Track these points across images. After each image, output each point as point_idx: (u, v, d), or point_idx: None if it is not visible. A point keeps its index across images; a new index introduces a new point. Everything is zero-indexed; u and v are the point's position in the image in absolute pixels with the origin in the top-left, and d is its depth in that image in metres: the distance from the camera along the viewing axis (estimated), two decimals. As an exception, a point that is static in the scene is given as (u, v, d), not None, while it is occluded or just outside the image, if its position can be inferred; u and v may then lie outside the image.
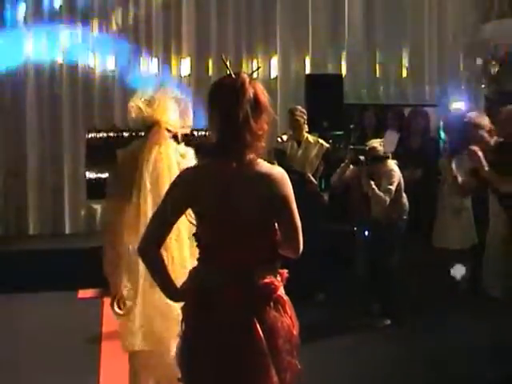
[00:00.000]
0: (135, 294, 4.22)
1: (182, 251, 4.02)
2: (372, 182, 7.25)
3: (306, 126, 8.47)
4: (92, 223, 10.97)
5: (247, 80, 3.13)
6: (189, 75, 11.18)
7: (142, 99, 4.20)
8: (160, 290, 3.32)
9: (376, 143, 7.46)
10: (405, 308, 7.43)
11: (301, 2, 11.43)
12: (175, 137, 4.30)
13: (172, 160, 4.12)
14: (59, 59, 10.85)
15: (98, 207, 10.89)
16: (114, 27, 11.00)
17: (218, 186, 3.09)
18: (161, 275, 3.24)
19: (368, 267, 7.63)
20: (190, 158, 4.18)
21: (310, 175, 8.32)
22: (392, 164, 7.41)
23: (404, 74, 11.85)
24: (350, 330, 7.29)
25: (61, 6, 10.83)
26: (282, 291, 3.21)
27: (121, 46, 10.96)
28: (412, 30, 11.75)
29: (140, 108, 4.14)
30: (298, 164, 8.30)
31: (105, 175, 10.47)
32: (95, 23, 10.94)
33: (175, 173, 3.76)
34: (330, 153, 8.62)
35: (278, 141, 8.65)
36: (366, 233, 7.96)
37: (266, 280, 3.14)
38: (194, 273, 3.26)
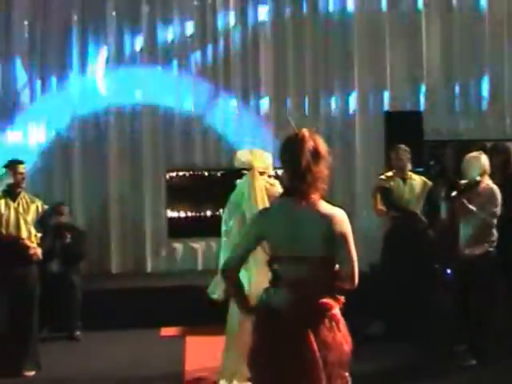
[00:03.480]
0: None
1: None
2: (469, 206, 7.07)
3: (409, 165, 8.56)
4: (173, 262, 11.07)
5: (307, 134, 3.79)
6: (267, 114, 11.24)
7: (245, 152, 6.65)
8: (236, 304, 4.09)
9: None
10: (492, 347, 7.18)
11: (378, 38, 11.42)
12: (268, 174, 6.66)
13: (262, 187, 6.39)
14: (140, 100, 11.06)
15: (178, 246, 11.00)
16: (194, 68, 11.15)
17: (287, 222, 3.74)
18: (238, 293, 3.98)
19: (457, 305, 7.43)
20: (277, 186, 6.33)
21: (419, 213, 8.41)
22: (491, 183, 7.23)
23: (484, 107, 11.70)
24: (434, 369, 7.10)
25: (141, 48, 11.06)
26: (337, 311, 3.73)
27: (200, 87, 11.11)
28: (491, 63, 11.61)
29: (243, 159, 6.58)
30: (405, 202, 8.42)
31: (184, 214, 10.61)
32: (175, 64, 11.12)
33: (264, 193, 6.33)
34: (432, 191, 8.60)
35: (381, 178, 8.64)
36: (449, 270, 7.85)
37: (323, 300, 3.70)
38: (265, 292, 3.86)
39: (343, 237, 3.72)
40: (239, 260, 3.90)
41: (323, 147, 3.82)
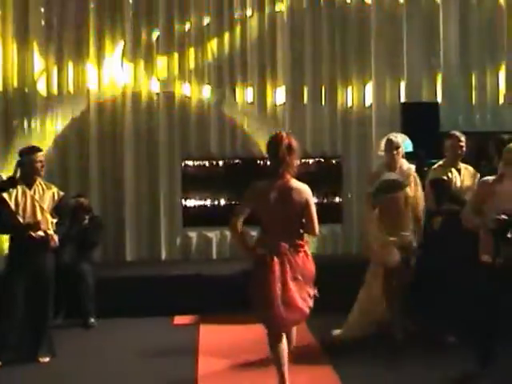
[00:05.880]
0: None
1: None
2: None
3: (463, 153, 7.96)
4: (187, 250, 11.11)
5: (285, 134, 5.84)
6: (284, 103, 11.24)
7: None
8: (238, 245, 6.14)
9: None
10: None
11: (395, 29, 11.40)
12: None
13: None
14: (156, 89, 11.08)
15: (193, 235, 11.03)
16: (210, 56, 11.15)
17: (271, 193, 5.77)
18: (239, 237, 5.93)
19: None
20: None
21: None
22: None
23: (501, 100, 11.65)
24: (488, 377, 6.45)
25: (158, 36, 11.06)
26: (306, 248, 5.87)
27: (216, 76, 11.12)
28: (508, 55, 11.56)
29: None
30: (461, 194, 7.65)
31: (200, 203, 10.65)
32: (191, 53, 11.13)
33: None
34: None
35: (433, 169, 7.98)
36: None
37: (298, 241, 5.81)
38: (259, 237, 5.96)
39: (307, 202, 5.78)
40: (240, 218, 5.82)
41: (295, 144, 5.79)
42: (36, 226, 7.05)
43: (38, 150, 7.23)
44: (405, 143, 7.92)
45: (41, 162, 7.15)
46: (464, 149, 7.87)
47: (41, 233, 7.05)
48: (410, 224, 7.65)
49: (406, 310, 7.56)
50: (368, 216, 7.83)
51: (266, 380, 6.32)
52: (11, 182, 7.08)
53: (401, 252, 7.48)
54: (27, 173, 7.13)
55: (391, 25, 11.40)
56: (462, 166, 7.93)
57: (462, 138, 7.86)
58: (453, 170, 7.86)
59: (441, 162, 7.98)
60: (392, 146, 7.81)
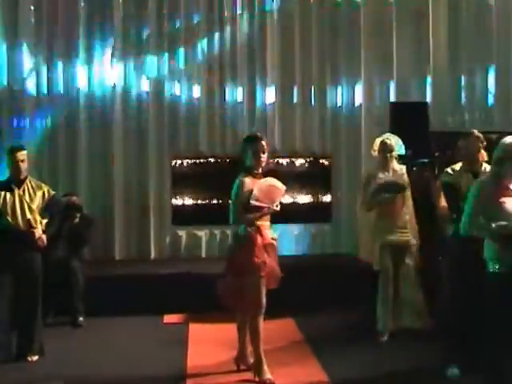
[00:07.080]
0: None
1: None
2: None
3: (484, 154, 6.76)
4: (177, 249, 11.10)
5: (259, 135, 6.54)
6: (273, 103, 11.25)
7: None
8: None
9: None
10: None
11: (385, 30, 11.41)
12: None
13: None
14: (146, 87, 11.07)
15: (182, 233, 11.02)
16: (200, 56, 11.15)
17: None
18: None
19: None
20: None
21: None
22: None
23: (490, 100, 11.69)
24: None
25: (148, 35, 11.05)
26: (246, 240, 6.29)
27: (206, 74, 11.12)
28: (497, 56, 11.59)
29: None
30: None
31: (189, 201, 10.65)
32: (182, 52, 11.13)
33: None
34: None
35: (446, 172, 6.86)
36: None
37: (237, 232, 6.38)
38: None
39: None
40: None
41: (267, 144, 6.46)
42: (31, 235, 7.08)
43: (19, 149, 7.18)
44: (397, 146, 7.99)
45: (22, 161, 7.10)
46: (475, 149, 6.77)
47: (37, 233, 7.08)
48: (408, 224, 7.88)
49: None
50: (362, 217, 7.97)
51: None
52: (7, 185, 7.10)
53: (397, 252, 7.72)
54: (12, 172, 7.11)
55: (381, 25, 11.42)
56: (485, 168, 6.66)
57: (470, 138, 6.82)
58: (468, 175, 6.67)
59: (457, 166, 6.90)
60: (386, 149, 7.92)
